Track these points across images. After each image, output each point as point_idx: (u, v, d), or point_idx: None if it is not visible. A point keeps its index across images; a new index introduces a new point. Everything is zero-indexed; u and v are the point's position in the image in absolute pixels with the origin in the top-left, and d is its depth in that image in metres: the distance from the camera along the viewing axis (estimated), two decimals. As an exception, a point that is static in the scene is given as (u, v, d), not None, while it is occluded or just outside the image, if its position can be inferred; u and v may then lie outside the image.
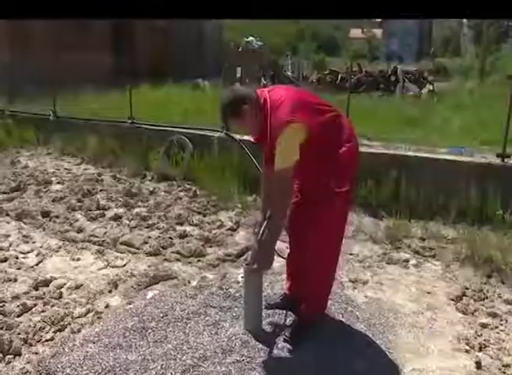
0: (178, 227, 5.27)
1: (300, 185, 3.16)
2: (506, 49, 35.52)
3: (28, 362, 2.95)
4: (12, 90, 11.51)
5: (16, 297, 3.68)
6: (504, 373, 2.94)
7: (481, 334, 3.31)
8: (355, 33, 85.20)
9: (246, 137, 6.79)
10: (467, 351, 3.13)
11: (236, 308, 3.45)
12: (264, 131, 2.82)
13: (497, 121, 7.43)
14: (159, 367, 2.82)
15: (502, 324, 3.44)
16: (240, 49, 18.37)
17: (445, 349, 3.15)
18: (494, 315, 3.55)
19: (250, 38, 21.34)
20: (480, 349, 3.15)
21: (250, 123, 2.90)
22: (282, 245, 4.75)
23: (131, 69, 8.96)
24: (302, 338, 3.09)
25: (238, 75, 14.22)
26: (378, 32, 76.87)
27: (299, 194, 3.17)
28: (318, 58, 40.61)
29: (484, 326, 3.42)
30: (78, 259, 4.48)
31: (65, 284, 3.95)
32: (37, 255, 4.55)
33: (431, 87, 14.79)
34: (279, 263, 4.31)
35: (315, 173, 2.95)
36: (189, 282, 4.03)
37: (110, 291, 3.87)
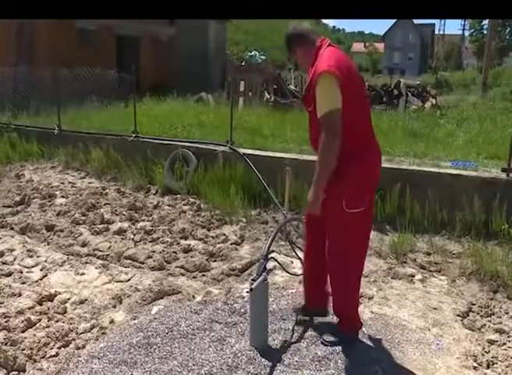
0: (182, 241, 5.26)
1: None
2: (507, 63, 35.74)
3: (32, 379, 2.94)
4: (17, 104, 11.60)
5: (21, 312, 3.66)
6: (513, 390, 2.91)
7: (489, 351, 3.28)
8: (357, 46, 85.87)
9: (250, 151, 6.82)
10: (475, 368, 3.10)
11: (241, 324, 3.43)
12: (310, 72, 2.94)
13: (501, 135, 7.46)
14: (164, 384, 2.80)
15: (510, 341, 3.41)
16: (243, 63, 18.51)
17: (452, 366, 3.11)
18: (501, 331, 3.51)
19: (254, 52, 21.49)
20: (488, 366, 3.12)
21: (303, 58, 3.10)
22: (287, 260, 4.76)
23: (135, 82, 8.98)
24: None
25: (241, 89, 14.28)
26: (380, 46, 77.49)
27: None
28: (321, 72, 40.82)
29: (491, 342, 3.38)
30: (82, 274, 4.47)
31: (69, 299, 3.94)
32: (41, 270, 4.54)
33: (434, 101, 14.84)
34: (283, 278, 4.31)
35: (327, 191, 2.94)
36: (193, 297, 4.02)
37: (114, 306, 3.86)
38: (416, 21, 69.70)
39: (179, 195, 6.79)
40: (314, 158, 6.25)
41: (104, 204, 6.50)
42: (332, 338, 3.22)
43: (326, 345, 3.18)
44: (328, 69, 2.77)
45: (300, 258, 4.24)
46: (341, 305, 3.22)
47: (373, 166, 3.08)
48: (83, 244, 5.17)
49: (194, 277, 4.45)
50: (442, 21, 61.38)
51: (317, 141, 2.93)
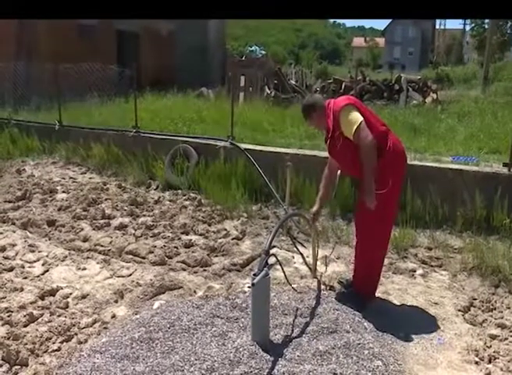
0: (183, 236, 5.27)
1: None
2: (509, 57, 35.62)
3: (35, 373, 2.94)
4: (18, 99, 11.58)
5: (23, 306, 3.67)
6: (514, 385, 2.91)
7: (491, 346, 3.28)
8: (358, 41, 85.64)
9: (250, 147, 6.81)
10: (476, 362, 3.11)
11: (243, 319, 3.43)
12: (328, 124, 3.56)
13: (503, 130, 7.44)
14: (167, 378, 2.80)
15: (511, 335, 3.41)
16: (243, 58, 18.46)
17: (454, 361, 3.12)
18: (503, 326, 3.52)
19: (254, 47, 21.46)
20: (490, 361, 3.12)
21: (318, 121, 3.74)
22: (288, 255, 4.76)
23: (135, 78, 8.95)
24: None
25: (242, 84, 14.25)
26: (380, 41, 77.31)
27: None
28: (321, 66, 40.81)
29: (493, 337, 3.39)
30: (84, 269, 4.48)
31: (71, 294, 3.95)
32: (43, 265, 4.55)
33: (434, 96, 14.78)
34: (285, 273, 4.30)
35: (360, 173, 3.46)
36: (195, 292, 4.03)
37: (116, 301, 3.87)
38: (417, 16, 69.35)
39: (180, 190, 6.80)
40: (315, 153, 6.28)
41: (105, 199, 6.50)
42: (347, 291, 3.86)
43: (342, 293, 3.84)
44: (344, 103, 3.49)
45: (301, 253, 4.25)
46: (359, 273, 3.79)
47: (395, 155, 3.56)
48: (85, 240, 5.18)
49: (196, 272, 4.46)
50: (443, 16, 60.96)
51: (350, 167, 3.63)
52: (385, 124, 3.66)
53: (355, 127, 3.37)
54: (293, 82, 17.22)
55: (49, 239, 5.24)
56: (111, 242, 5.08)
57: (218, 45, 24.40)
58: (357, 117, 3.40)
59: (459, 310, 3.77)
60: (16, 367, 3.00)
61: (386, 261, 4.66)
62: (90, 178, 7.73)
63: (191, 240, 5.14)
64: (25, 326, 3.43)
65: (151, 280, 4.17)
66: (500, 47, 33.12)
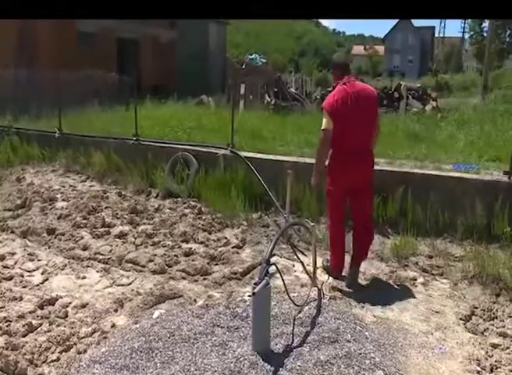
0: (183, 245, 5.25)
1: None
2: (507, 65, 35.77)
3: (34, 384, 2.92)
4: (18, 107, 11.58)
5: (22, 316, 3.66)
6: (517, 395, 2.89)
7: (492, 355, 3.26)
8: (357, 49, 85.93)
9: (250, 155, 6.81)
10: (478, 372, 3.09)
11: (243, 328, 3.41)
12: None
13: (502, 138, 7.45)
14: (166, 389, 2.78)
15: (513, 344, 3.39)
16: (243, 66, 18.52)
17: (456, 370, 3.10)
18: (505, 335, 3.50)
19: (254, 55, 21.53)
20: (491, 370, 3.10)
21: (335, 79, 4.34)
22: (288, 263, 4.75)
23: (135, 85, 8.97)
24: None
25: (242, 91, 14.27)
26: (380, 48, 77.58)
27: None
28: (321, 74, 40.93)
29: (495, 346, 3.37)
30: (83, 277, 4.46)
31: (70, 303, 3.93)
32: (42, 273, 4.54)
33: (434, 104, 14.82)
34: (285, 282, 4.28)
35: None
36: (195, 301, 4.01)
37: (116, 310, 3.85)
38: (416, 24, 69.75)
39: (180, 198, 6.78)
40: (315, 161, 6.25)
41: (105, 207, 6.48)
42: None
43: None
44: (325, 105, 4.09)
45: (301, 262, 4.23)
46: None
47: (348, 165, 4.13)
48: (84, 248, 5.16)
49: (196, 281, 4.44)
50: (442, 24, 61.63)
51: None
52: (360, 137, 4.13)
53: (323, 128, 4.06)
54: (293, 90, 17.26)
55: (49, 247, 5.22)
56: (111, 251, 5.06)
57: (218, 53, 24.51)
58: (325, 124, 4.04)
59: (460, 319, 3.75)
60: (15, 377, 2.98)
61: (387, 269, 4.66)
62: (91, 186, 7.71)
63: (191, 248, 5.12)
64: (24, 335, 3.41)
65: (151, 288, 4.16)
66: (499, 55, 33.28)
